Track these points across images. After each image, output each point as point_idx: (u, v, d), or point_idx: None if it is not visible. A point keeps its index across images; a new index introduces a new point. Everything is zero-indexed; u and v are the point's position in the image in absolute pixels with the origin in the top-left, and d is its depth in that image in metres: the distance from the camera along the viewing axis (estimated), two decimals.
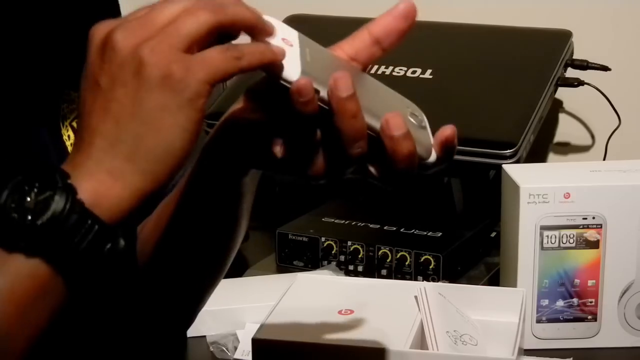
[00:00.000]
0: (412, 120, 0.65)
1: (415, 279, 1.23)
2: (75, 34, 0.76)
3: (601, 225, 1.08)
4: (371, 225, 1.33)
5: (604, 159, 1.48)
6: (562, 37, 1.44)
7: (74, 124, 0.75)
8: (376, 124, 0.61)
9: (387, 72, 1.42)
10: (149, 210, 0.74)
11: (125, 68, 0.55)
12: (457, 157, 1.39)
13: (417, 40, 1.51)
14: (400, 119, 0.61)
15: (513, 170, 1.14)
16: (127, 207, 0.56)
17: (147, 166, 0.55)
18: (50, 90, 0.73)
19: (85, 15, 0.77)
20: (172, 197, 0.74)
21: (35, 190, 0.54)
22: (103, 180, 0.55)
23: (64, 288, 0.56)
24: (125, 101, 0.55)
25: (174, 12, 0.55)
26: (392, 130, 0.60)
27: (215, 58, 0.55)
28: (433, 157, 0.64)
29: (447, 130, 0.64)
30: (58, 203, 0.54)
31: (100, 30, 0.57)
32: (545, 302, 1.10)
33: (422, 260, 1.24)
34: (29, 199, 0.54)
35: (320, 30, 1.55)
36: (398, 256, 1.25)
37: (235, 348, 1.09)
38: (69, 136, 0.75)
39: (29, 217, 0.54)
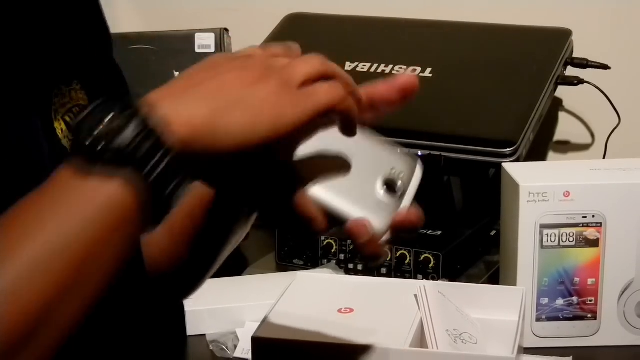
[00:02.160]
0: (380, 191, 0.67)
1: (415, 278, 1.23)
2: (65, 30, 0.76)
3: (601, 223, 1.08)
4: None
5: (604, 158, 1.48)
6: (562, 36, 1.44)
7: (67, 117, 0.76)
8: (346, 216, 0.65)
9: (387, 70, 1.42)
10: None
11: (257, 64, 0.61)
12: (457, 155, 1.40)
13: (417, 38, 1.51)
14: (364, 228, 0.65)
15: (513, 168, 1.14)
16: (197, 143, 0.57)
17: (230, 126, 0.58)
18: (42, 85, 0.73)
19: (70, 11, 0.77)
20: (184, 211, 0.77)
21: (113, 116, 0.56)
22: (190, 112, 0.57)
23: (138, 222, 0.57)
24: (234, 76, 0.60)
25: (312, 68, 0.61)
26: (356, 237, 0.65)
27: (336, 91, 0.61)
28: (386, 236, 0.66)
29: (400, 216, 0.67)
30: (136, 130, 0.56)
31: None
32: (545, 300, 1.10)
33: (421, 258, 1.24)
34: (103, 124, 0.55)
35: (318, 29, 1.55)
36: (398, 255, 1.25)
37: (235, 346, 1.09)
38: (62, 130, 0.75)
39: (106, 141, 0.55)
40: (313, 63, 0.61)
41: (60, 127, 0.75)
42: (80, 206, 0.55)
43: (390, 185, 0.67)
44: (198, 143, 0.57)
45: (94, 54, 0.81)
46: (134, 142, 0.55)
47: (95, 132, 0.56)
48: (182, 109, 0.57)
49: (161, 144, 0.56)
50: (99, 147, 0.55)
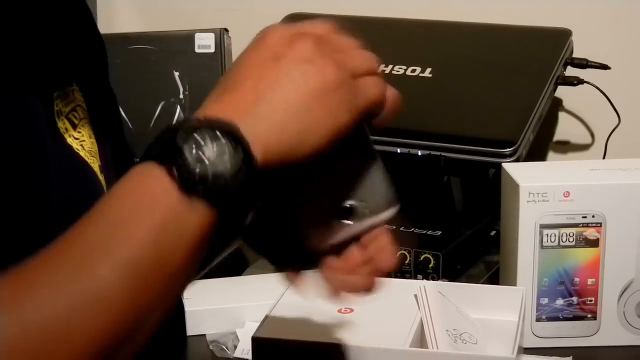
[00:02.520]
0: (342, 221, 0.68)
1: (415, 278, 1.23)
2: (62, 34, 0.77)
3: (601, 223, 1.08)
4: None
5: (604, 158, 1.48)
6: (561, 36, 1.44)
7: (71, 116, 0.76)
8: None
9: (387, 70, 1.42)
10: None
11: (315, 54, 0.61)
12: (456, 155, 1.40)
13: (416, 38, 1.51)
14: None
15: (513, 168, 1.14)
16: (274, 164, 0.59)
17: (303, 137, 0.60)
18: (44, 83, 0.73)
19: (67, 19, 0.78)
20: None
21: (212, 138, 0.56)
22: (264, 132, 0.59)
23: (213, 236, 0.58)
24: (303, 77, 0.60)
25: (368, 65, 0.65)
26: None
27: (380, 86, 0.64)
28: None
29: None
30: (236, 156, 0.56)
31: (295, 26, 0.63)
32: (545, 300, 1.10)
33: (421, 258, 1.24)
34: (207, 147, 0.56)
35: None
36: (397, 255, 1.25)
37: (235, 347, 1.09)
38: (66, 128, 0.75)
39: (213, 168, 0.56)
40: (367, 59, 0.64)
41: (64, 126, 0.75)
42: (171, 229, 0.56)
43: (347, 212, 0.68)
44: (277, 162, 0.59)
45: (90, 61, 0.82)
46: (232, 173, 0.57)
47: (200, 161, 0.56)
48: (262, 129, 0.59)
49: (253, 176, 0.58)
50: (203, 177, 0.56)
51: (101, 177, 0.79)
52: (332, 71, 0.61)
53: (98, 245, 0.54)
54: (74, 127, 0.76)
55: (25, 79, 0.70)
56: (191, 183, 0.56)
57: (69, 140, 0.75)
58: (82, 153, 0.76)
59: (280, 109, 0.59)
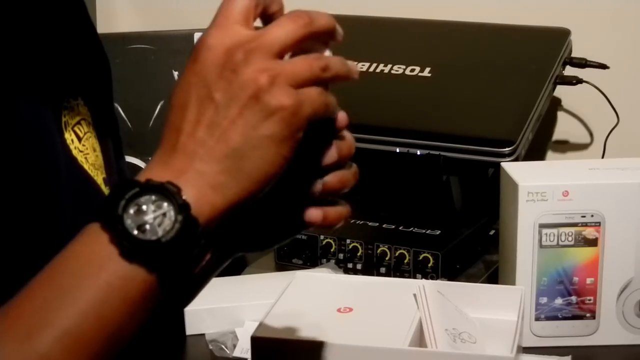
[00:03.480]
0: None
1: (414, 277, 1.23)
2: (70, 46, 0.78)
3: (600, 223, 1.08)
4: (370, 223, 1.33)
5: (603, 157, 1.48)
6: (560, 35, 1.44)
7: (76, 128, 0.78)
8: None
9: (386, 70, 1.42)
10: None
11: (245, 92, 0.59)
12: (455, 155, 1.40)
13: (415, 38, 1.51)
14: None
15: (512, 168, 1.14)
16: (219, 218, 0.60)
17: (246, 184, 0.60)
18: (53, 94, 0.74)
19: (72, 30, 0.80)
20: None
21: (153, 203, 0.58)
22: (205, 191, 0.59)
23: (158, 295, 0.59)
24: (238, 121, 0.59)
25: (286, 35, 0.61)
26: None
27: (318, 98, 0.61)
28: None
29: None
30: (177, 220, 0.58)
31: (218, 44, 0.61)
32: (544, 300, 1.10)
33: (420, 258, 1.24)
34: (148, 214, 0.58)
35: None
36: (397, 254, 1.25)
37: (234, 346, 1.09)
38: (72, 140, 0.76)
39: (153, 235, 0.57)
40: (306, 65, 0.61)
41: (70, 137, 0.76)
42: (114, 294, 0.58)
43: None
44: (228, 208, 0.60)
45: (95, 77, 0.84)
46: (172, 238, 0.58)
47: (141, 224, 0.58)
48: (205, 183, 0.59)
49: (197, 236, 0.59)
50: (143, 237, 0.58)
51: (105, 190, 0.79)
52: (274, 106, 0.59)
53: (42, 315, 0.57)
54: (79, 140, 0.77)
55: (37, 88, 0.71)
56: (130, 250, 0.58)
57: (74, 152, 0.76)
58: (85, 166, 0.77)
59: (222, 155, 0.59)
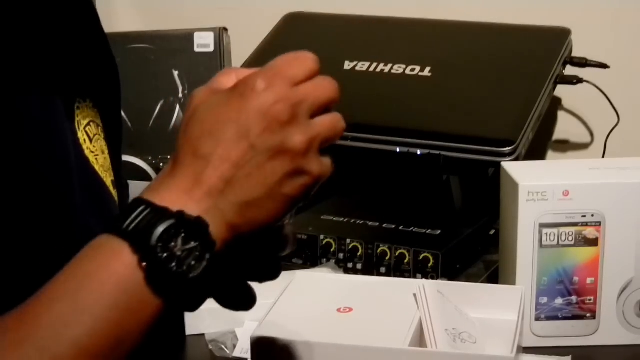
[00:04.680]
0: None
1: (414, 277, 1.23)
2: (82, 49, 0.79)
3: (600, 222, 1.08)
4: (370, 223, 1.33)
5: (603, 157, 1.48)
6: (561, 35, 1.44)
7: (87, 129, 0.79)
8: None
9: (386, 69, 1.42)
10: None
11: (284, 147, 0.62)
12: (456, 154, 1.40)
13: (416, 37, 1.51)
14: None
15: (512, 167, 1.14)
16: (223, 248, 0.63)
17: (250, 227, 0.63)
18: (67, 94, 0.75)
19: (78, 27, 0.80)
20: None
21: (183, 237, 0.60)
22: (222, 229, 0.62)
23: (166, 315, 0.63)
24: (266, 171, 0.62)
25: (326, 99, 0.65)
26: None
27: (331, 167, 0.65)
28: None
29: None
30: (205, 258, 0.61)
31: (270, 91, 0.63)
32: (544, 300, 1.10)
33: (421, 258, 1.24)
34: (177, 246, 0.60)
35: (317, 28, 1.55)
36: (397, 254, 1.25)
37: (234, 346, 1.09)
38: (84, 140, 0.77)
39: (180, 268, 0.60)
40: (324, 91, 0.64)
41: (82, 137, 0.77)
42: (132, 317, 0.61)
43: None
44: (234, 239, 0.63)
45: (105, 82, 0.85)
46: (199, 270, 0.61)
47: (170, 253, 0.60)
48: (222, 223, 0.62)
49: (214, 272, 0.62)
50: (174, 269, 0.60)
51: (114, 192, 0.80)
52: (305, 172, 0.63)
53: (60, 331, 0.59)
54: (90, 140, 0.78)
55: (50, 85, 0.72)
56: (158, 280, 0.60)
57: (87, 152, 0.77)
58: (96, 167, 0.78)
59: (242, 201, 0.62)
